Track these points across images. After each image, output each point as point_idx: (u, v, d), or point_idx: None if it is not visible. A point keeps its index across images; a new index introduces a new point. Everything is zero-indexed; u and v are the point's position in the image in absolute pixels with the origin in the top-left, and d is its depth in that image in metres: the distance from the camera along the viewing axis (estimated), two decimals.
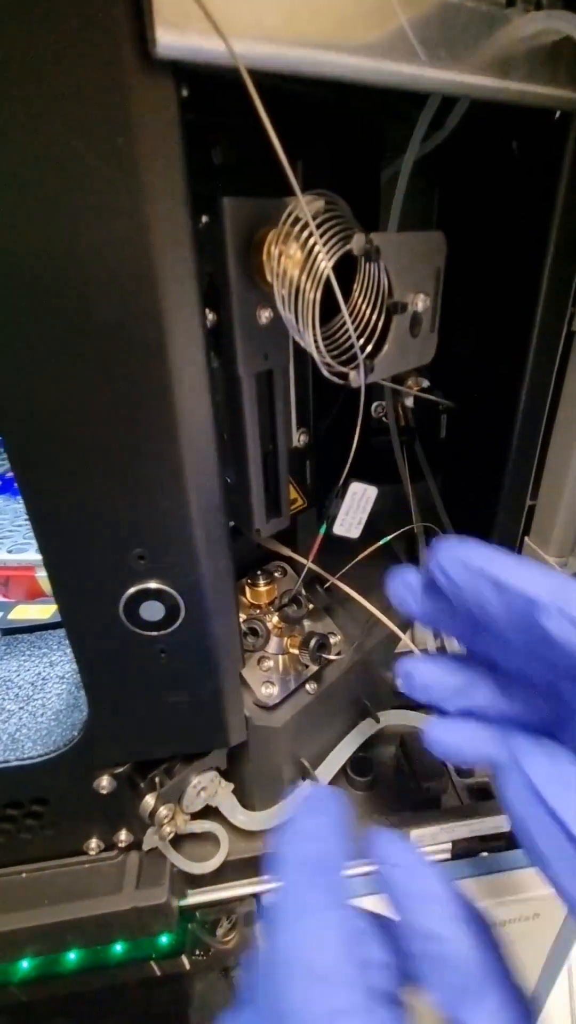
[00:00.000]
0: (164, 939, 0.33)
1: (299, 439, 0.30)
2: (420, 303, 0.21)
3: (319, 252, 0.18)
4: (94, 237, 0.17)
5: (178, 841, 0.32)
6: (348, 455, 0.31)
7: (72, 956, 0.33)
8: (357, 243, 0.18)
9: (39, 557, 0.41)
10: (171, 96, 0.16)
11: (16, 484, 0.21)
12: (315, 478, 0.34)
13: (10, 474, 0.54)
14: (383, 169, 0.30)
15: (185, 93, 0.17)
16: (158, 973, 0.34)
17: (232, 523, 0.27)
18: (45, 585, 0.40)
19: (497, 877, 0.34)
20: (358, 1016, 0.14)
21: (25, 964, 0.33)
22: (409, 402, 0.37)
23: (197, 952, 0.36)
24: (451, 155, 0.29)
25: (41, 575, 0.40)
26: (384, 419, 0.43)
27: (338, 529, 0.28)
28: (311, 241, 0.18)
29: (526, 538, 0.36)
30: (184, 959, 0.33)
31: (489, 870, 0.35)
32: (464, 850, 0.36)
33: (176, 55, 0.15)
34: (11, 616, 0.38)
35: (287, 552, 0.33)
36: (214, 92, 0.18)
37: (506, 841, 0.36)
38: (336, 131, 0.27)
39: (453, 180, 0.31)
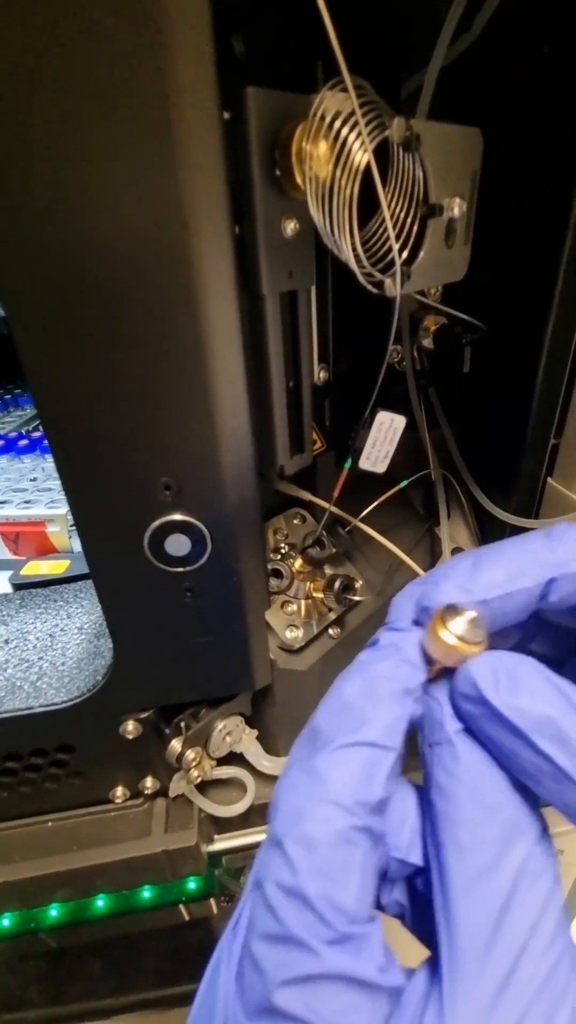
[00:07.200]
0: (192, 884, 0.33)
1: (319, 376, 0.29)
2: (456, 208, 0.20)
3: (355, 141, 0.17)
4: (112, 117, 0.15)
5: (204, 788, 0.32)
6: (369, 394, 0.30)
7: (100, 903, 0.33)
8: (397, 129, 0.17)
9: (49, 512, 0.41)
10: None
11: (36, 408, 0.20)
12: (334, 420, 0.33)
13: (13, 434, 0.52)
14: (404, 83, 0.28)
15: None
16: (187, 918, 0.34)
17: None
18: (56, 540, 0.40)
19: None
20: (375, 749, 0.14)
21: (54, 912, 0.33)
22: (427, 343, 0.36)
23: (223, 898, 0.36)
24: (479, 66, 0.27)
25: (52, 530, 0.39)
26: (399, 366, 0.42)
27: (364, 464, 0.27)
28: (344, 130, 0.17)
29: (549, 479, 0.35)
30: (212, 902, 0.34)
31: None
32: None
33: None
34: (23, 572, 0.37)
35: (307, 496, 0.32)
36: None
37: None
38: (357, 36, 0.25)
39: (482, 95, 0.29)
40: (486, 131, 0.24)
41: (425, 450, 0.39)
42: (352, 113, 0.17)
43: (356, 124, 0.17)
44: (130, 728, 0.28)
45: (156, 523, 0.22)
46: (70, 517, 0.40)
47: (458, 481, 0.40)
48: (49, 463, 0.47)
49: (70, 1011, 0.28)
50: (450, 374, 0.35)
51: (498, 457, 0.37)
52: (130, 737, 0.28)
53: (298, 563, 0.31)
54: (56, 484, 0.43)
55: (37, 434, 0.52)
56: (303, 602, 0.31)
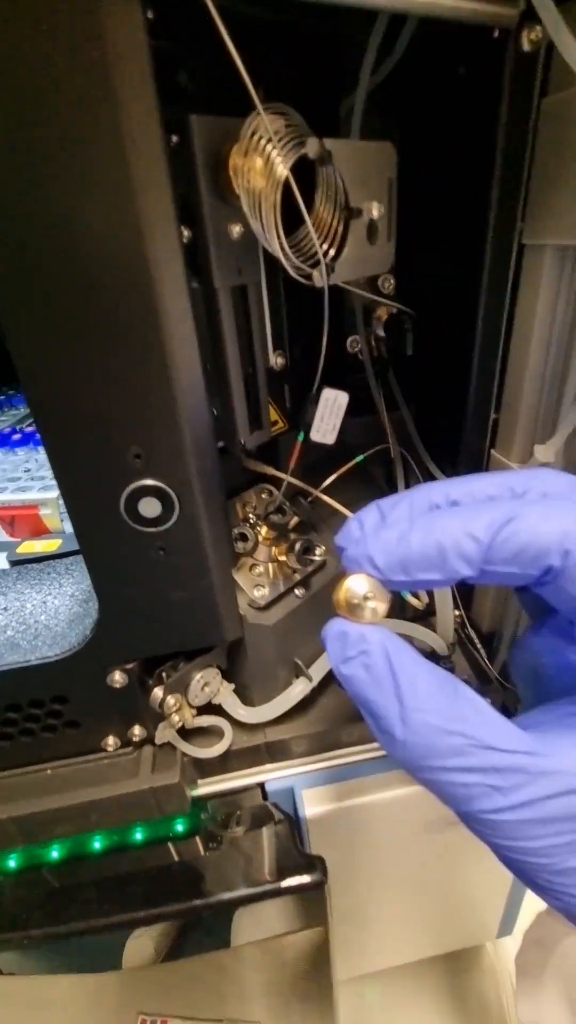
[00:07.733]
0: (180, 826, 0.37)
1: (276, 360, 0.33)
2: (375, 210, 0.23)
3: (276, 157, 0.20)
4: (70, 150, 0.19)
5: (188, 737, 0.36)
6: (326, 377, 0.34)
7: (97, 844, 0.36)
8: (311, 147, 0.20)
9: (41, 496, 0.44)
10: (137, 15, 0.18)
11: (24, 396, 0.24)
12: (294, 401, 0.36)
13: (7, 429, 0.56)
14: (341, 102, 0.32)
15: (151, 15, 0.19)
16: (176, 858, 0.38)
17: (220, 444, 0.30)
18: (48, 522, 0.43)
19: None
20: None
21: (55, 853, 0.36)
22: (381, 332, 0.40)
23: (211, 844, 0.40)
24: (405, 87, 0.31)
25: (44, 512, 0.43)
26: (360, 355, 0.46)
27: (314, 435, 0.30)
28: (268, 148, 0.21)
29: (492, 451, 0.38)
30: (199, 842, 0.37)
31: None
32: None
33: None
34: (19, 550, 0.41)
35: (271, 471, 0.36)
36: (178, 15, 0.21)
37: None
38: (295, 63, 0.29)
39: (408, 112, 0.33)
40: (420, 138, 0.28)
41: (385, 430, 0.43)
42: (275, 133, 0.21)
43: (278, 143, 0.20)
44: (117, 678, 0.32)
45: (130, 487, 0.26)
46: (61, 502, 0.43)
47: (415, 457, 0.43)
48: (41, 455, 0.50)
49: (68, 929, 0.32)
50: (401, 359, 0.39)
51: (448, 433, 0.40)
52: (117, 687, 0.32)
53: (264, 531, 0.35)
54: (48, 473, 0.47)
55: (30, 429, 0.56)
56: (269, 565, 0.35)
